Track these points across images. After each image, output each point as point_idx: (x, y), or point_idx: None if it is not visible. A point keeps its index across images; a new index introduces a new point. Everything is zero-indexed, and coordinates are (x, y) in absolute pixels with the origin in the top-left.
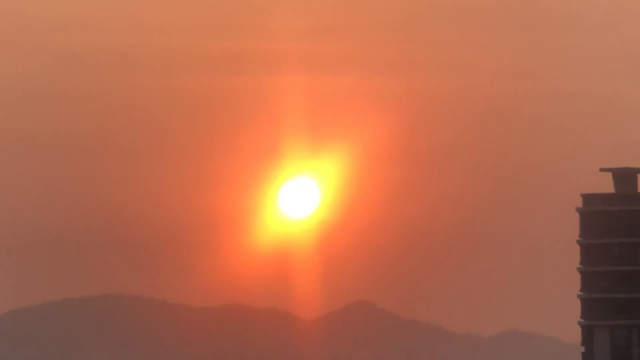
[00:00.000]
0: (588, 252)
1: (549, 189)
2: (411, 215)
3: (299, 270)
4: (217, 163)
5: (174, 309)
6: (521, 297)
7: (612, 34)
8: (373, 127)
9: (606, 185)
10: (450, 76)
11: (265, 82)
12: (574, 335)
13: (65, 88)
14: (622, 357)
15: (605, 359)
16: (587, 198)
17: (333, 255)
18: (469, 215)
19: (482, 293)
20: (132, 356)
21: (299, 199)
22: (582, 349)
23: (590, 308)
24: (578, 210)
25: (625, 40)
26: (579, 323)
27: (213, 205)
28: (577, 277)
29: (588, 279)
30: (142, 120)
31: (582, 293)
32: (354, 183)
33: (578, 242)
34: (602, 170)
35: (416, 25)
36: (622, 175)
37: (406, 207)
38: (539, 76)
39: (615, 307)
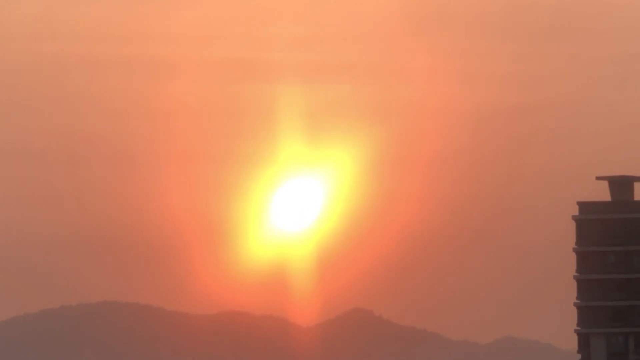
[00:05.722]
0: (584, 259)
1: (545, 196)
2: (408, 223)
3: (296, 277)
4: (214, 170)
5: (171, 316)
6: (518, 304)
7: (609, 43)
8: (369, 135)
9: (602, 193)
10: (445, 85)
11: (262, 91)
12: (570, 342)
13: (67, 94)
14: None
15: None
16: (584, 206)
17: (330, 263)
18: (466, 223)
19: (479, 300)
20: None
21: (296, 207)
22: (579, 356)
23: (587, 315)
24: (574, 218)
25: (622, 49)
26: (575, 330)
27: (211, 212)
28: (574, 285)
29: (584, 286)
30: (140, 127)
31: (578, 300)
32: (351, 191)
33: (574, 249)
34: (598, 178)
35: (411, 35)
36: (618, 183)
37: (403, 214)
38: (535, 85)
39: (612, 314)
